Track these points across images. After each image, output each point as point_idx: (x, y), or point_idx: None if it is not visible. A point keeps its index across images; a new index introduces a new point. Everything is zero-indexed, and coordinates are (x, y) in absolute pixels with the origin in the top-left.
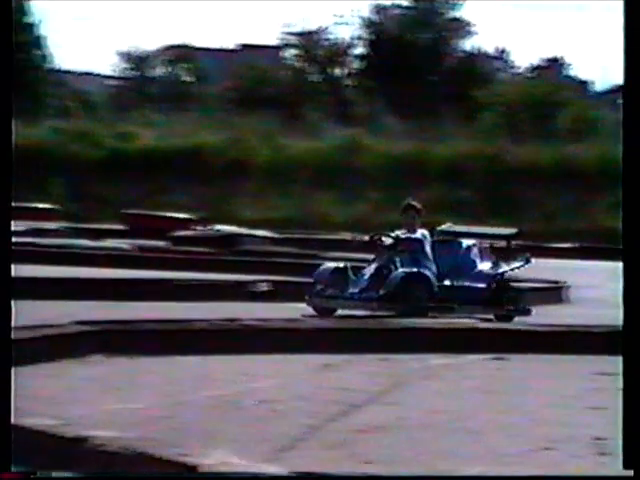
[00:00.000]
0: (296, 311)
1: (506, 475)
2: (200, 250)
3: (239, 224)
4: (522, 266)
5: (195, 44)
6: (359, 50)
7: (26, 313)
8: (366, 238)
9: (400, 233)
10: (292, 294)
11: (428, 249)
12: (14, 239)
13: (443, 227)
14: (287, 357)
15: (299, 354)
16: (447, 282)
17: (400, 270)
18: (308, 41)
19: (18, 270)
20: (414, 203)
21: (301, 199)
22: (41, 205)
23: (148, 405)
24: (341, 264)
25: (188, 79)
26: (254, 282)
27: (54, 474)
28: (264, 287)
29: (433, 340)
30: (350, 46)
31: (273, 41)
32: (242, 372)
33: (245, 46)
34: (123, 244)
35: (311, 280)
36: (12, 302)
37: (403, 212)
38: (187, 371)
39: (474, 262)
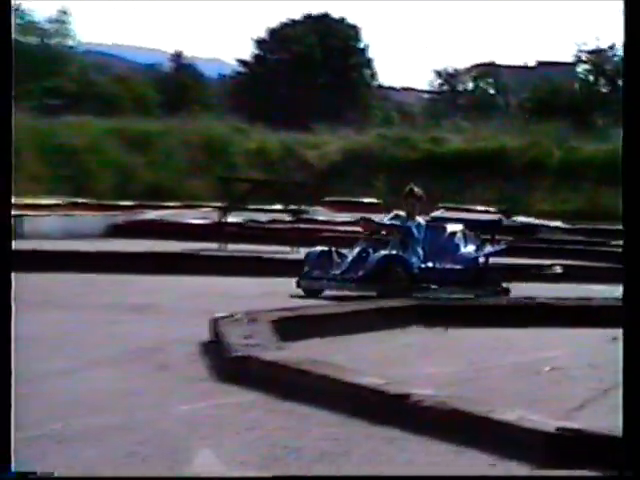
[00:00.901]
0: (586, 291)
1: (506, 475)
2: (500, 238)
3: (535, 216)
4: (502, 250)
5: (498, 62)
6: None
7: None
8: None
9: (393, 218)
10: (581, 276)
11: (419, 234)
12: (344, 228)
13: (435, 214)
14: (578, 331)
15: (589, 328)
16: (430, 264)
17: (378, 253)
18: (599, 58)
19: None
20: (415, 190)
21: (589, 194)
22: (366, 199)
23: (458, 369)
24: (326, 248)
25: (492, 92)
26: (549, 266)
27: (56, 474)
28: (557, 270)
29: None
30: None
31: (567, 58)
32: (538, 343)
33: (542, 63)
34: None
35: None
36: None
37: (404, 199)
38: (491, 340)
39: (457, 246)
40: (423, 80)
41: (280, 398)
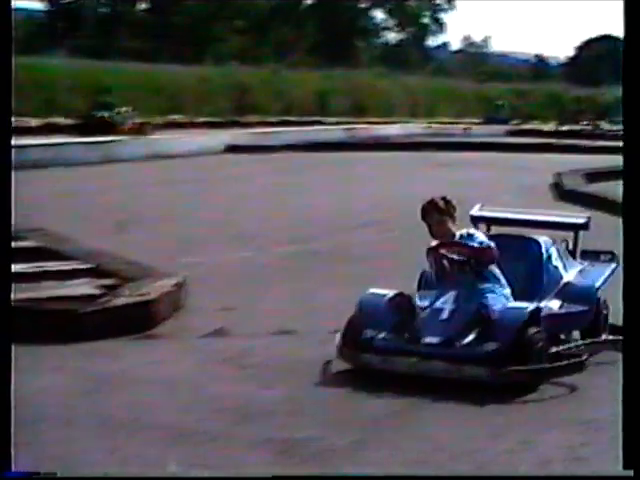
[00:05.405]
0: None
1: (506, 475)
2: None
3: None
4: (612, 273)
5: None
6: None
7: None
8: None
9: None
10: None
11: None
12: None
13: (475, 212)
14: None
15: None
16: (542, 306)
17: (504, 304)
18: None
19: None
20: (435, 200)
21: None
22: None
23: None
24: (397, 291)
25: None
26: None
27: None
28: None
29: None
30: None
31: None
32: None
33: None
34: None
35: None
36: None
37: (424, 217)
38: None
39: (557, 269)
40: None
41: (587, 208)
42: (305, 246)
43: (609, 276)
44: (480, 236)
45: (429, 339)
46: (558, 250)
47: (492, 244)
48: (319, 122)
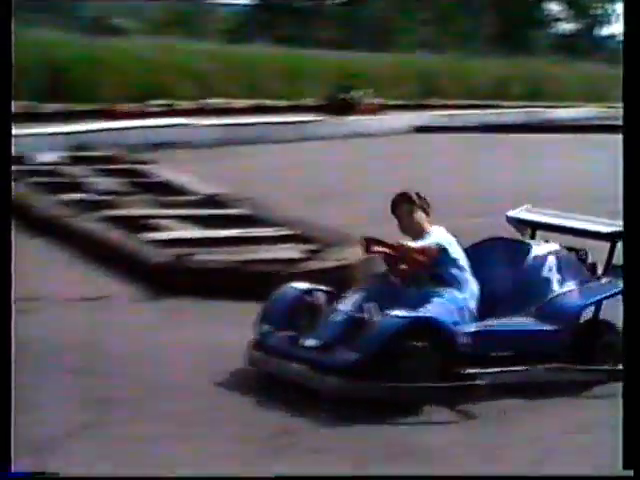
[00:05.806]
0: None
1: (507, 475)
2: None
3: None
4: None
5: None
6: None
7: None
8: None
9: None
10: None
11: (462, 262)
12: None
13: (512, 213)
14: None
15: None
16: (490, 323)
17: (391, 314)
18: None
19: None
20: (408, 193)
21: None
22: None
23: None
24: (308, 285)
25: None
26: None
27: (61, 474)
28: None
29: None
30: None
31: None
32: None
33: None
34: None
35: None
36: None
37: (394, 210)
38: None
39: (547, 284)
40: None
41: None
42: (488, 219)
43: (608, 296)
44: (431, 237)
45: (309, 341)
46: (559, 261)
47: (424, 247)
48: (497, 106)
